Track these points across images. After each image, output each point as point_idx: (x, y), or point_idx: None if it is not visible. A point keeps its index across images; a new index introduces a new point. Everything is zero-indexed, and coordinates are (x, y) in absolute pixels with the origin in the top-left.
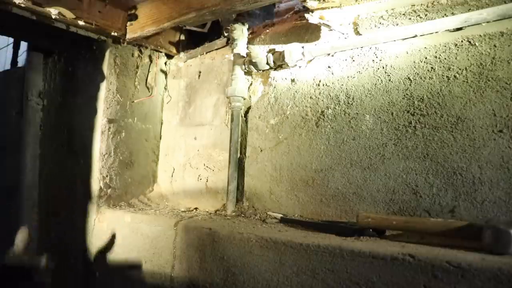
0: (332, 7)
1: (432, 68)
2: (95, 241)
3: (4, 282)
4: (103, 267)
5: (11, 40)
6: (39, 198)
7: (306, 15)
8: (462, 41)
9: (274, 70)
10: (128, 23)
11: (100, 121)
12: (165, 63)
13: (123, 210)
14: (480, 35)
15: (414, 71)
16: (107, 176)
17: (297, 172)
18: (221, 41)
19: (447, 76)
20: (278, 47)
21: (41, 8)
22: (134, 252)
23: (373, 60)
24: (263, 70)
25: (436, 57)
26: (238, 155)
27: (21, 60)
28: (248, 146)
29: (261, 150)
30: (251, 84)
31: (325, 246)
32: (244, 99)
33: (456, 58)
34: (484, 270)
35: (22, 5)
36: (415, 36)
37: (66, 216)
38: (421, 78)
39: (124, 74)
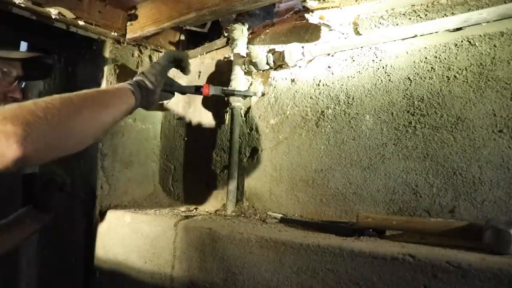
0: (332, 7)
1: (432, 68)
2: (95, 241)
3: None
4: (103, 267)
5: None
6: None
7: (306, 15)
8: (462, 41)
9: (274, 70)
10: (128, 23)
11: None
12: None
13: (123, 210)
14: (480, 35)
15: (414, 71)
16: (107, 176)
17: (297, 172)
18: (221, 41)
19: (447, 76)
20: (278, 47)
21: (41, 8)
22: (134, 252)
23: (373, 60)
24: (263, 70)
25: (436, 57)
26: (238, 155)
27: None
28: (248, 146)
29: (261, 150)
30: (251, 84)
31: (325, 246)
32: (244, 99)
33: (456, 58)
34: (484, 270)
35: (22, 5)
36: (415, 36)
37: (66, 216)
38: (421, 78)
39: (124, 74)
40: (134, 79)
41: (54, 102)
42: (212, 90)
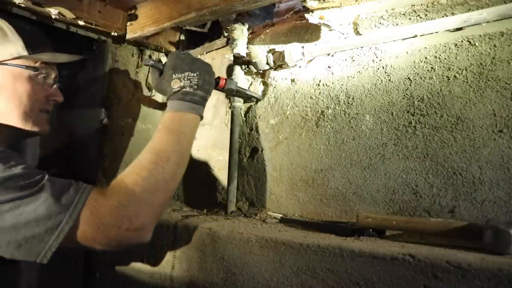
0: (332, 7)
1: (432, 68)
2: None
3: None
4: (103, 267)
5: None
6: None
7: (306, 15)
8: (462, 41)
9: (274, 70)
10: (128, 23)
11: (100, 121)
12: None
13: None
14: (480, 35)
15: (414, 71)
16: (107, 176)
17: (297, 172)
18: (221, 41)
19: (447, 76)
20: (278, 47)
21: (41, 8)
22: (134, 252)
23: (373, 60)
24: (263, 70)
25: (436, 57)
26: (238, 155)
27: None
28: (248, 146)
29: (261, 150)
30: (251, 84)
31: (325, 246)
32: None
33: (456, 58)
34: (484, 270)
35: (22, 5)
36: (415, 36)
37: None
38: (421, 78)
39: (124, 74)
40: (197, 96)
41: (165, 173)
42: (229, 84)
